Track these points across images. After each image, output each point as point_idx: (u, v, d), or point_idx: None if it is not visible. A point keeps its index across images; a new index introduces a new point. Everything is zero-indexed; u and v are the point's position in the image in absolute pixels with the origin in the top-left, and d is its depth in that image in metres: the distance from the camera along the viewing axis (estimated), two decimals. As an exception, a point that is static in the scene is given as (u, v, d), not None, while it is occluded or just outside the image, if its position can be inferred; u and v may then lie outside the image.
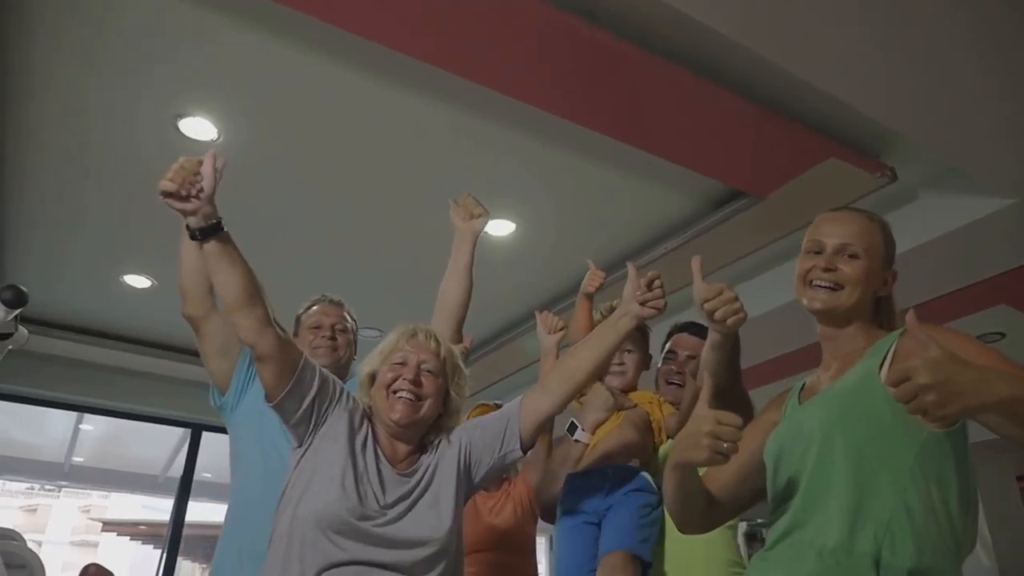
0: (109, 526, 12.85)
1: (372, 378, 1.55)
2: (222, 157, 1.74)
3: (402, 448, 1.52)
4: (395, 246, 3.73)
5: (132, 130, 2.86)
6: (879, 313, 1.28)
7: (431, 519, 1.42)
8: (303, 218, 3.51)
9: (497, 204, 3.41)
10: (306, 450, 1.46)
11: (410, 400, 1.47)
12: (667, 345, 2.15)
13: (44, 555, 3.77)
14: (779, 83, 2.43)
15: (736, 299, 1.32)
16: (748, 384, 1.52)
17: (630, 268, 1.53)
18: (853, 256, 1.24)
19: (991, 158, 2.73)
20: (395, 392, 1.48)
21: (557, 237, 3.66)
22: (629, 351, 2.05)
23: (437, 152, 3.02)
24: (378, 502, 1.40)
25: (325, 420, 1.48)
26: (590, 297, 2.13)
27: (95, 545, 13.78)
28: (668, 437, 1.97)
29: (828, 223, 1.29)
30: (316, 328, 2.13)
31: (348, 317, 2.21)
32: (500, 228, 3.56)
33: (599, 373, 1.54)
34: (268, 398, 1.45)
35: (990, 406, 0.91)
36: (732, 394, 1.37)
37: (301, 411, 1.45)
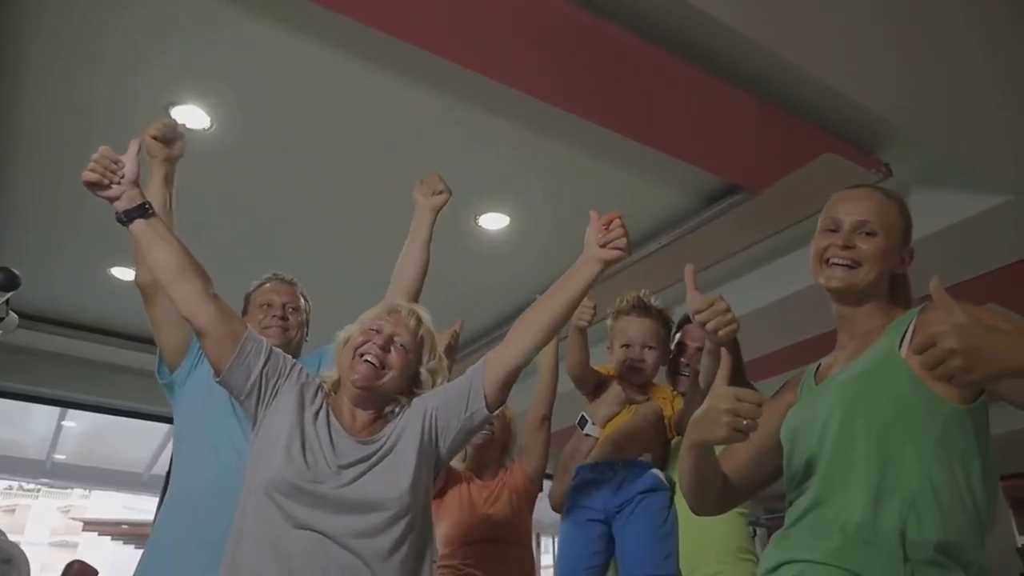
0: (90, 526, 12.72)
1: (346, 343, 1.54)
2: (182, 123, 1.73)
3: (363, 417, 1.50)
4: (387, 241, 3.67)
5: (124, 118, 2.80)
6: (895, 291, 1.27)
7: (389, 479, 1.38)
8: (290, 207, 3.47)
9: (491, 198, 3.40)
10: (259, 428, 1.45)
11: (372, 365, 1.46)
12: (677, 336, 2.12)
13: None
14: (782, 76, 2.43)
15: (728, 310, 1.32)
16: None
17: (592, 215, 1.49)
18: (871, 233, 1.23)
19: (986, 155, 2.75)
20: (361, 355, 1.48)
21: (551, 231, 3.63)
22: (650, 348, 2.01)
23: (429, 143, 2.98)
24: (329, 465, 1.38)
25: (276, 394, 1.46)
26: (583, 331, 1.97)
27: (74, 546, 13.65)
28: (677, 433, 1.95)
29: (845, 201, 1.28)
30: (267, 306, 2.02)
31: (301, 297, 2.12)
32: (494, 222, 3.55)
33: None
34: (215, 373, 1.45)
35: (1017, 370, 0.91)
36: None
37: (249, 384, 1.44)
